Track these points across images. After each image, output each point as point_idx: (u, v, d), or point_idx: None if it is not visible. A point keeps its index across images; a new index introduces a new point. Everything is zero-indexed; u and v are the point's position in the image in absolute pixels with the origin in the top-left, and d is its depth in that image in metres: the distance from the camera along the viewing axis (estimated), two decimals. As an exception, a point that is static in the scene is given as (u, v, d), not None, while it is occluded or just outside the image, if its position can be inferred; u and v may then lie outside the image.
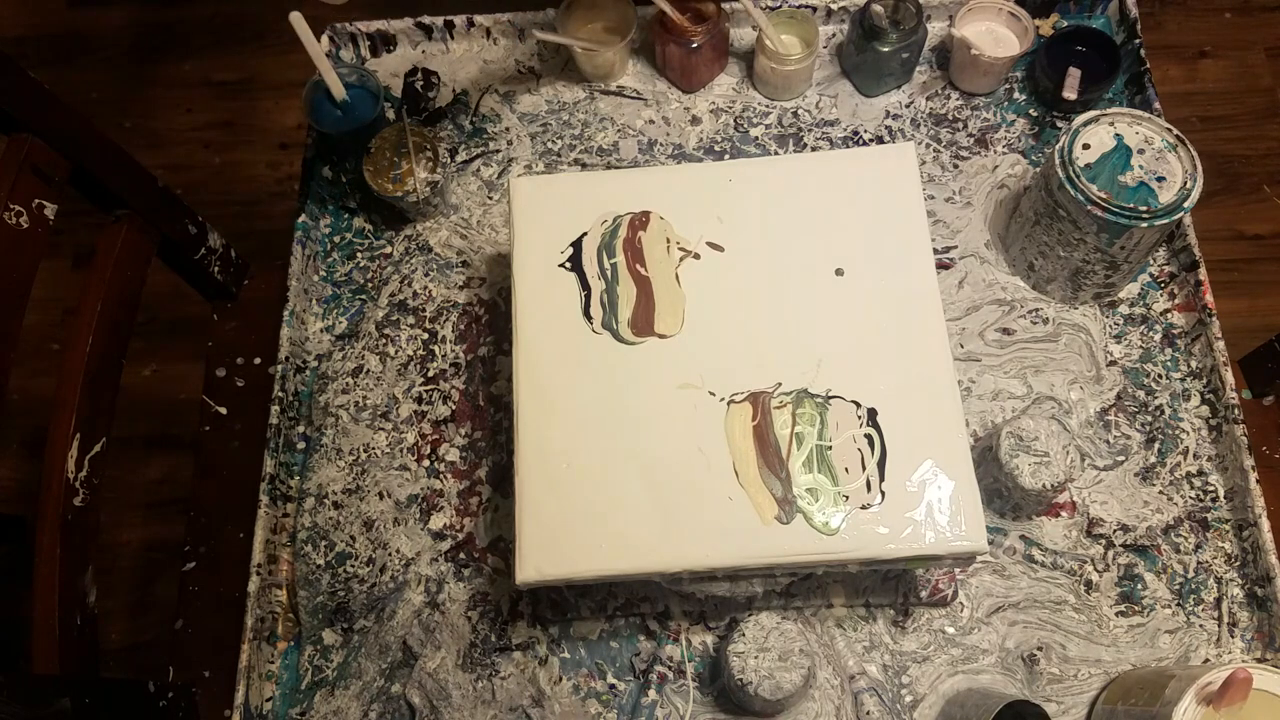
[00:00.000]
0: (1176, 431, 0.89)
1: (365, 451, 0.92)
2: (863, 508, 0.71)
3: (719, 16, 1.00)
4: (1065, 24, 1.04)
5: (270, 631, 0.86)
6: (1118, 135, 0.85)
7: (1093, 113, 0.85)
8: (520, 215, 0.83)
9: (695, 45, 0.99)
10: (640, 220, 0.82)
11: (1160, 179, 0.83)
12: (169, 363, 1.65)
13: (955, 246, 0.97)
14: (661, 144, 1.03)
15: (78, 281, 0.90)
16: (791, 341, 0.77)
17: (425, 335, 0.96)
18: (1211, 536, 0.86)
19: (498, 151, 1.04)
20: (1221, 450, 0.88)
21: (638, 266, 0.80)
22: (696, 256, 0.80)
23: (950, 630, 0.83)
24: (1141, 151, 0.84)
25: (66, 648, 0.81)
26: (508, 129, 1.05)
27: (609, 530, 0.72)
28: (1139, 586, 0.84)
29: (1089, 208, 0.82)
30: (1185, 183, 0.82)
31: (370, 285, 0.99)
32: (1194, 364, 0.91)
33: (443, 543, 0.88)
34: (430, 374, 0.95)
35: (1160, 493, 0.87)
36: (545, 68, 1.08)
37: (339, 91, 0.99)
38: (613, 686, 0.83)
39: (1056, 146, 0.84)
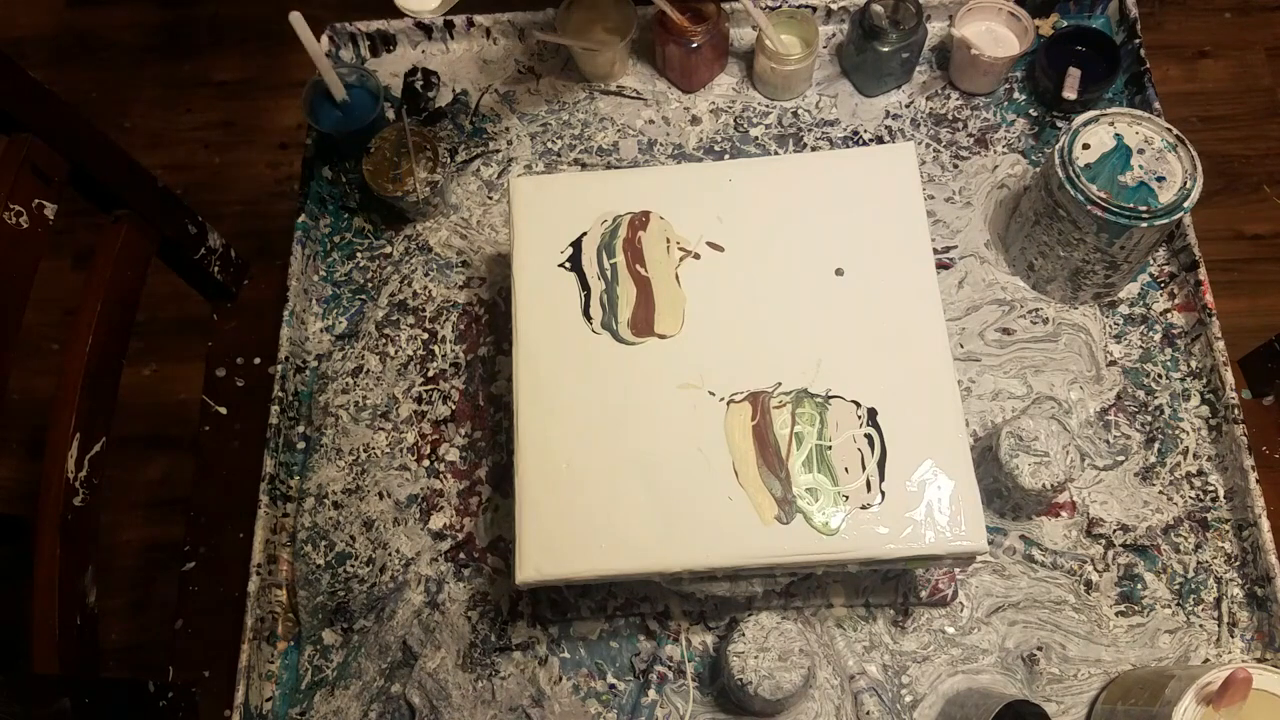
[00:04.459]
0: (1176, 431, 0.89)
1: (365, 451, 0.92)
2: (862, 508, 0.71)
3: (719, 16, 1.00)
4: (1065, 24, 1.04)
5: (270, 631, 0.86)
6: (1118, 135, 0.85)
7: (1093, 113, 0.85)
8: (520, 215, 0.83)
9: (695, 45, 0.99)
10: (640, 220, 0.82)
11: (1160, 179, 0.83)
12: (169, 363, 1.65)
13: (955, 246, 0.97)
14: (661, 144, 1.03)
15: (78, 281, 0.90)
16: (791, 341, 0.77)
17: (425, 335, 0.96)
18: (1211, 536, 0.86)
19: (498, 151, 1.04)
20: (1221, 450, 0.88)
21: (638, 266, 0.80)
22: (696, 256, 0.80)
23: (950, 630, 0.83)
24: (1141, 151, 0.84)
25: (66, 648, 0.81)
26: (508, 129, 1.05)
27: (609, 530, 0.72)
28: (1139, 586, 0.84)
29: (1089, 208, 0.82)
30: (1185, 183, 0.82)
31: (370, 285, 0.99)
32: (1194, 364, 0.91)
33: (443, 543, 0.88)
34: (430, 374, 0.95)
35: (1160, 493, 0.87)
36: (545, 68, 1.08)
37: (339, 91, 0.99)
38: (613, 686, 0.83)
39: (1056, 146, 0.84)
